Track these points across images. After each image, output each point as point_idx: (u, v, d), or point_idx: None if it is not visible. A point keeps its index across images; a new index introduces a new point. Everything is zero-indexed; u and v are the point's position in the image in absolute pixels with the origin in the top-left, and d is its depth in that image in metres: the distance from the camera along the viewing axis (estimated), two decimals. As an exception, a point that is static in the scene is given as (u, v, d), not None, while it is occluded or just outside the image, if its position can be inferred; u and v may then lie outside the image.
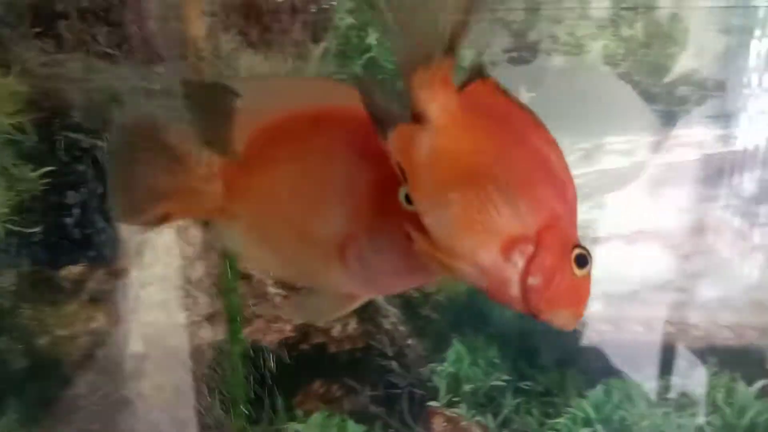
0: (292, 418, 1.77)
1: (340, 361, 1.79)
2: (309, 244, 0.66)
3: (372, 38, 1.62)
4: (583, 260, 0.58)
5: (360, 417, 1.80)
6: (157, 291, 1.69)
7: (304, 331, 1.77)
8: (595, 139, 1.74)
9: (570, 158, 1.63)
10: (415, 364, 1.82)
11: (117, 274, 1.72)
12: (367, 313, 1.79)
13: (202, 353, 1.67)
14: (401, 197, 0.59)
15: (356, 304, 0.70)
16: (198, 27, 1.22)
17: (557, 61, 1.68)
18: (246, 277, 1.75)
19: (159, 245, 1.65)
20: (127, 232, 1.67)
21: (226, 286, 1.55)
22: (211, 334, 1.70)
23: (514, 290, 0.56)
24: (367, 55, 1.63)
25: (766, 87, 1.73)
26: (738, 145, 1.75)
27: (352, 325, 1.78)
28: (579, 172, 1.77)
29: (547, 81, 1.69)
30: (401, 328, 1.81)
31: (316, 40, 1.62)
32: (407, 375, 1.82)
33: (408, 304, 1.81)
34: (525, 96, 1.68)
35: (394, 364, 1.81)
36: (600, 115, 1.72)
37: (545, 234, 0.56)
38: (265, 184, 0.68)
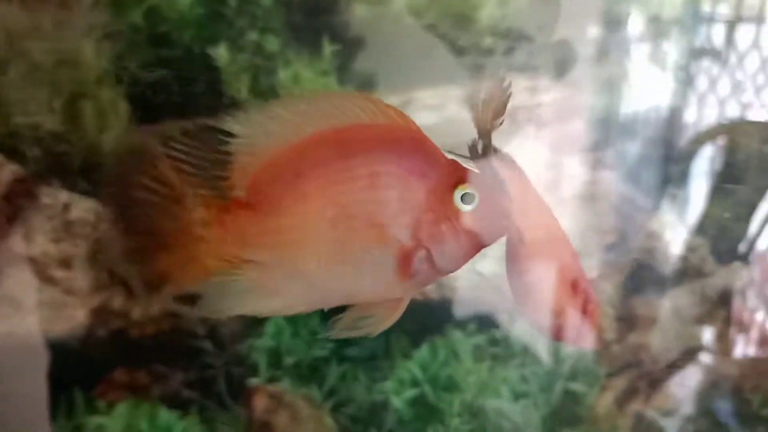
0: (94, 411, 1.60)
1: (145, 345, 1.64)
2: (359, 265, 0.69)
3: (150, -16, 1.44)
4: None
5: (173, 402, 1.67)
6: None
7: (100, 318, 1.59)
8: (405, 94, 1.67)
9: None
10: (231, 342, 1.70)
11: None
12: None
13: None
14: (456, 200, 0.69)
15: (404, 306, 0.74)
16: None
17: (360, 11, 1.58)
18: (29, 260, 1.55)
19: None
20: None
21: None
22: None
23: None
24: (147, 3, 1.45)
25: (574, 36, 1.73)
26: (546, 97, 1.75)
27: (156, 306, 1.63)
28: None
29: (351, 33, 1.59)
30: (213, 304, 1.68)
31: (82, -15, 1.42)
32: (222, 354, 1.70)
33: (219, 278, 1.68)
34: (327, 49, 1.58)
35: (206, 344, 1.68)
36: (408, 68, 1.65)
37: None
38: (298, 220, 0.66)
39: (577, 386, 1.87)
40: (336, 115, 0.66)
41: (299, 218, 0.66)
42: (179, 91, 1.52)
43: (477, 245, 0.71)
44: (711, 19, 2.16)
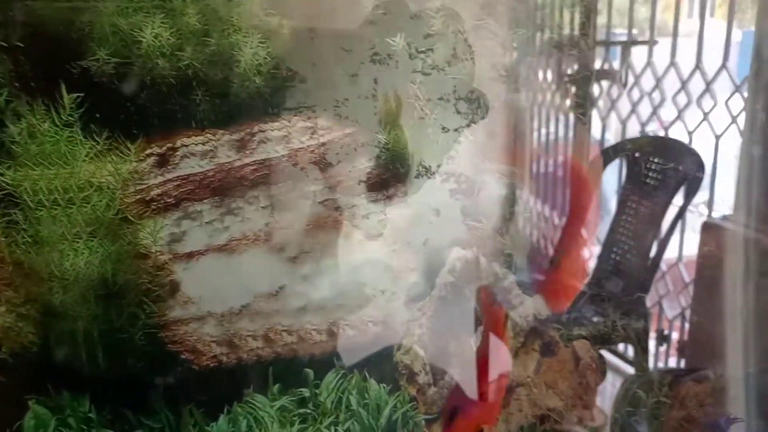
0: None
1: None
2: None
3: None
4: None
5: None
6: None
7: None
8: (167, 141, 1.53)
9: (142, 166, 1.35)
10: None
11: None
12: None
13: None
14: None
15: None
16: None
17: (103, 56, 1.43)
18: None
19: None
20: None
21: None
22: None
23: None
24: None
25: (352, 73, 1.68)
26: (327, 136, 1.67)
27: None
28: (156, 181, 1.55)
29: (94, 80, 1.44)
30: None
31: None
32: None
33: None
34: (67, 98, 1.41)
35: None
36: (169, 113, 1.52)
37: None
38: None
39: (397, 437, 1.75)
40: None
41: None
42: None
43: None
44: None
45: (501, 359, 1.85)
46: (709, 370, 1.95)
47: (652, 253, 2.06)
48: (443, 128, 1.75)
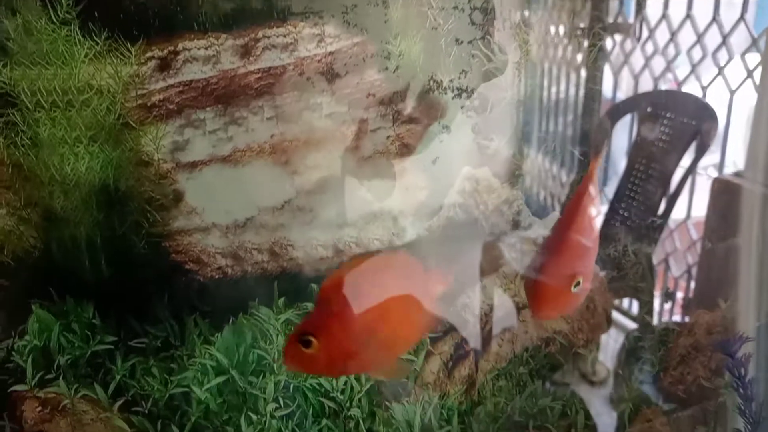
0: None
1: None
2: None
3: None
4: None
5: None
6: None
7: None
8: (168, 44, 1.47)
9: (143, 69, 1.29)
10: (-17, 346, 1.45)
11: None
12: None
13: None
14: None
15: None
16: None
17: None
18: None
19: None
20: None
21: None
22: None
23: None
24: None
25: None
26: (335, 45, 1.60)
27: None
28: (157, 86, 1.50)
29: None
30: (-47, 303, 1.42)
31: None
32: (-27, 360, 1.44)
33: (-43, 272, 1.42)
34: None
35: (-51, 352, 1.42)
36: (168, 16, 1.45)
37: None
38: None
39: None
40: None
41: None
42: None
43: None
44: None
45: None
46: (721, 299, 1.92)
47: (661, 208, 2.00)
48: (457, 40, 1.68)
